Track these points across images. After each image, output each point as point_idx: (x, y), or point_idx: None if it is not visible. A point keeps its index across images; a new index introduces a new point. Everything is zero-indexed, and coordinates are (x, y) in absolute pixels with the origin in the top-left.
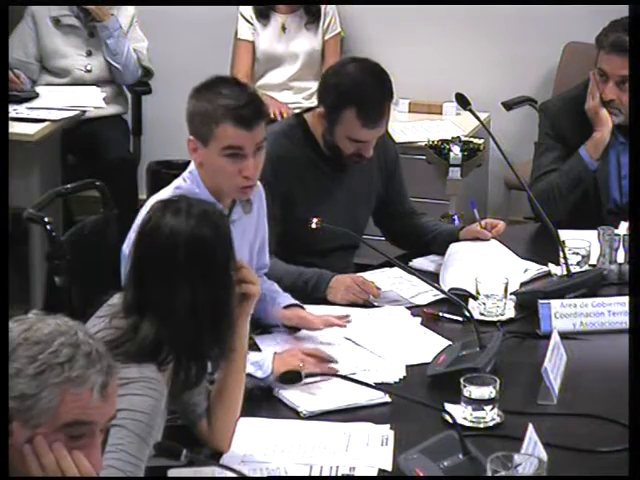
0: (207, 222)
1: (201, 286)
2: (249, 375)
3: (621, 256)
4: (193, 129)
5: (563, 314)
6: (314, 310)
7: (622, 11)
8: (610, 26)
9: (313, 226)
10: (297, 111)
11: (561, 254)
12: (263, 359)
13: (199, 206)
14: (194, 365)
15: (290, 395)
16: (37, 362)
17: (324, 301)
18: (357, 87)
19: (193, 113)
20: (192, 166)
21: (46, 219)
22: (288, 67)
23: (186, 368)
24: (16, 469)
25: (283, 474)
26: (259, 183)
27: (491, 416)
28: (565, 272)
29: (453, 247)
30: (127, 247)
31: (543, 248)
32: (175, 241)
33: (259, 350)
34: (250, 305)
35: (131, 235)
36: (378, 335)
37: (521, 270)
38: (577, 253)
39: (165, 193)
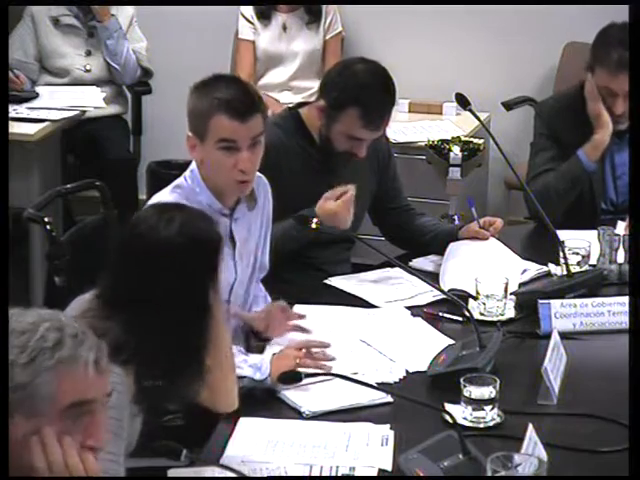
0: (194, 238)
1: (174, 301)
2: (247, 378)
3: (621, 256)
4: (191, 126)
5: (563, 314)
6: (308, 311)
7: (622, 11)
8: (606, 43)
9: (313, 226)
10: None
11: (561, 254)
12: (261, 361)
13: (192, 220)
14: (160, 378)
15: (292, 395)
16: (27, 350)
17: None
18: (364, 89)
19: (191, 110)
20: (193, 165)
21: (46, 219)
22: (289, 66)
23: (150, 378)
24: (13, 464)
25: (283, 474)
26: (264, 177)
27: (491, 416)
28: (565, 272)
29: (452, 246)
30: None
31: (543, 248)
32: (158, 249)
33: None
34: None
35: None
36: (384, 335)
37: (520, 268)
38: (577, 253)
39: (165, 192)
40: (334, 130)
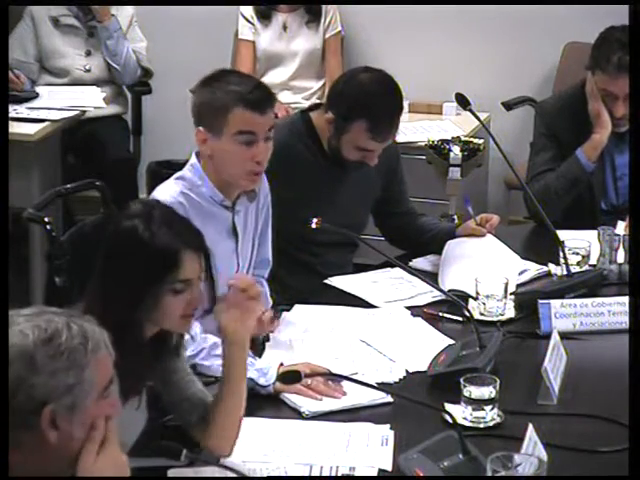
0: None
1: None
2: (252, 380)
3: (621, 256)
4: (202, 120)
5: (563, 314)
6: (308, 311)
7: (622, 11)
8: (606, 45)
9: (313, 226)
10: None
11: (561, 254)
12: (267, 367)
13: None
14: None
15: (292, 395)
16: (65, 352)
17: (329, 302)
18: (369, 100)
19: (202, 104)
20: (193, 159)
21: (46, 219)
22: (289, 66)
23: None
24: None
25: (283, 474)
26: (264, 176)
27: (491, 416)
28: (565, 272)
29: (449, 244)
30: None
31: (543, 248)
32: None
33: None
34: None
35: None
36: (384, 335)
37: (518, 265)
38: (577, 253)
39: (170, 182)
40: (343, 141)
